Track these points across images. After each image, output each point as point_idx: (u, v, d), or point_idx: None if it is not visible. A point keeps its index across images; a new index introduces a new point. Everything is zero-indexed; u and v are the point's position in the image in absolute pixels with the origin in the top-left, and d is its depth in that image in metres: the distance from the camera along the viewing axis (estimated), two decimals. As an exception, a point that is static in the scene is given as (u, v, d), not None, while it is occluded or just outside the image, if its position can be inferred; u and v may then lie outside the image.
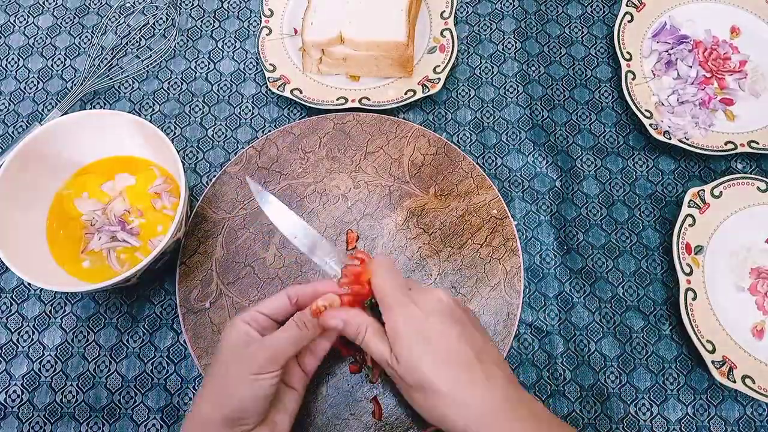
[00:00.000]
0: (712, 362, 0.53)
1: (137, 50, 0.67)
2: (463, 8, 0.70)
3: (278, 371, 0.43)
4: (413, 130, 0.61)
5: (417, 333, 0.42)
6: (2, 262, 0.52)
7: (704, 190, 0.59)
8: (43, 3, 0.69)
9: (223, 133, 0.64)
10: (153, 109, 0.65)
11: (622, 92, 0.63)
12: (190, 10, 0.69)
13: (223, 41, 0.68)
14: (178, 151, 0.63)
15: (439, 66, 0.64)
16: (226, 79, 0.66)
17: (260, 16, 0.68)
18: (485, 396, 0.41)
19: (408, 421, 0.51)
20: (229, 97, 0.66)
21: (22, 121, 0.64)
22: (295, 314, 0.46)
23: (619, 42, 0.65)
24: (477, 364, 0.42)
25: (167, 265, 0.55)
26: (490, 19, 0.69)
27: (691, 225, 0.58)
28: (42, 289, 0.57)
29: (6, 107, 0.65)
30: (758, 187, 0.60)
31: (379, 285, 0.45)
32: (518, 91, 0.66)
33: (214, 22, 0.69)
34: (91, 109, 0.64)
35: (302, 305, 0.47)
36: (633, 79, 0.64)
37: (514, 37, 0.68)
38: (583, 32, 0.69)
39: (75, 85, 0.63)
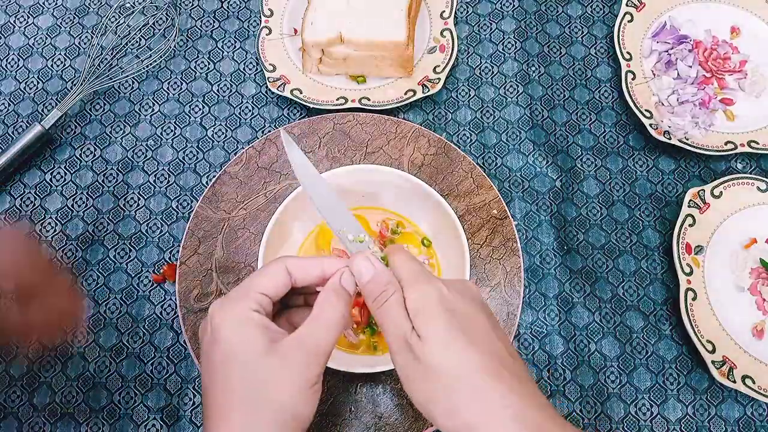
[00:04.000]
0: (712, 362, 0.53)
1: (137, 50, 0.67)
2: (463, 8, 0.70)
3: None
4: (413, 130, 0.61)
5: (446, 311, 0.35)
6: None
7: (704, 190, 0.59)
8: (43, 3, 0.69)
9: (223, 133, 0.64)
10: (153, 109, 0.65)
11: (622, 92, 0.63)
12: (190, 10, 0.69)
13: (223, 41, 0.68)
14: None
15: (439, 66, 0.64)
16: (225, 79, 0.66)
17: (260, 16, 0.68)
18: (516, 400, 0.33)
19: (408, 421, 0.51)
20: (229, 97, 0.66)
21: (22, 121, 0.64)
22: (330, 297, 0.37)
23: (619, 42, 0.65)
24: (509, 359, 0.35)
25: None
26: (490, 19, 0.69)
27: (691, 225, 0.58)
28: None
29: (6, 107, 0.65)
30: (758, 187, 0.60)
31: (399, 261, 0.38)
32: (518, 91, 0.66)
33: (214, 22, 0.69)
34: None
35: (301, 284, 0.39)
36: (633, 79, 0.64)
37: (514, 37, 0.68)
38: (583, 32, 0.69)
39: (75, 85, 0.63)
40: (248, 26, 0.69)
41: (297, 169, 0.43)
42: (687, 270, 0.56)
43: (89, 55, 0.64)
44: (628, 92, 0.63)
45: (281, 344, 0.35)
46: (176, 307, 0.55)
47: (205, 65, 0.67)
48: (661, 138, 0.60)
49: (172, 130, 0.64)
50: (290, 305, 0.41)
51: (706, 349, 0.53)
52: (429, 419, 0.35)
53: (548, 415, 0.34)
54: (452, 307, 0.36)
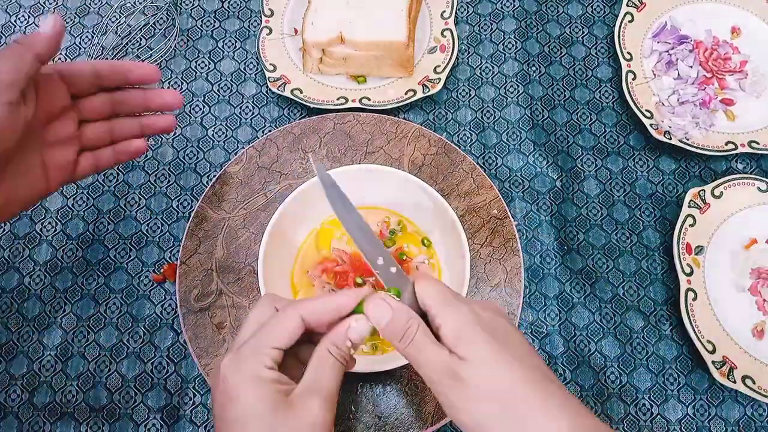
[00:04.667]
0: (713, 362, 0.53)
1: (137, 50, 0.67)
2: (463, 8, 0.70)
3: None
4: (413, 130, 0.61)
5: (485, 330, 0.35)
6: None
7: (705, 191, 0.59)
8: (44, 3, 0.69)
9: (223, 132, 0.64)
10: (153, 109, 0.65)
11: (623, 92, 0.63)
12: (191, 10, 0.69)
13: (223, 41, 0.68)
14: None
15: (439, 66, 0.64)
16: (226, 79, 0.66)
17: (260, 16, 0.68)
18: (568, 414, 0.33)
19: (408, 421, 0.51)
20: (229, 96, 0.66)
21: (23, 120, 0.64)
22: (332, 349, 0.37)
23: (619, 42, 0.65)
24: (551, 374, 0.35)
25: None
26: (490, 19, 0.69)
27: (691, 225, 0.58)
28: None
29: (6, 107, 0.65)
30: (759, 188, 0.60)
31: (426, 287, 0.38)
32: (519, 91, 0.66)
33: (214, 22, 0.69)
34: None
35: (316, 325, 0.38)
36: (633, 79, 0.64)
37: (514, 37, 0.68)
38: (583, 32, 0.69)
39: (75, 84, 0.63)
40: (249, 26, 0.69)
41: (330, 195, 0.42)
42: (687, 270, 0.56)
43: (90, 55, 0.64)
44: (629, 92, 0.63)
45: (293, 397, 0.35)
46: (176, 307, 0.55)
47: (206, 65, 0.67)
48: (662, 138, 0.60)
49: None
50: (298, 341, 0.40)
51: (707, 350, 0.53)
52: None
53: (597, 423, 0.34)
54: (489, 325, 0.35)
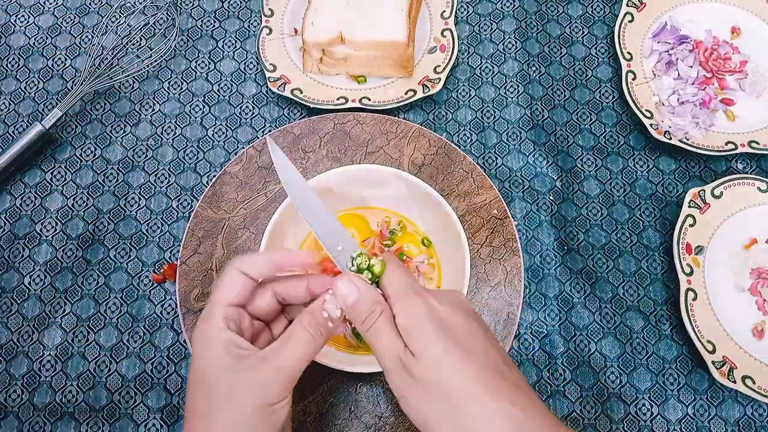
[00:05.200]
0: (713, 362, 0.53)
1: (137, 50, 0.67)
2: (463, 8, 0.70)
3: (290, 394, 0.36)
4: (413, 130, 0.61)
5: (438, 325, 0.34)
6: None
7: (705, 191, 0.59)
8: (44, 3, 0.69)
9: (223, 132, 0.64)
10: (153, 109, 0.65)
11: (623, 92, 0.63)
12: (191, 10, 0.69)
13: (223, 41, 0.68)
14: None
15: (439, 66, 0.64)
16: (226, 79, 0.66)
17: (260, 16, 0.68)
18: (518, 412, 0.33)
19: (408, 421, 0.51)
20: (229, 96, 0.66)
21: (23, 120, 0.64)
22: (304, 318, 0.36)
23: (619, 42, 0.65)
24: (507, 370, 0.35)
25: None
26: (490, 19, 0.69)
27: (691, 225, 0.58)
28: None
29: (6, 107, 0.65)
30: (759, 188, 0.60)
31: (388, 274, 0.37)
32: (518, 91, 0.66)
33: (214, 22, 0.69)
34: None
35: (257, 276, 0.38)
36: (633, 79, 0.64)
37: (514, 37, 0.68)
38: (583, 32, 0.69)
39: (75, 84, 0.63)
40: (249, 26, 0.69)
41: (284, 178, 0.41)
42: (687, 270, 0.56)
43: (90, 55, 0.64)
44: (629, 92, 0.63)
45: (245, 361, 0.35)
46: (176, 307, 0.55)
47: (206, 65, 0.67)
48: (662, 138, 0.60)
49: (172, 130, 0.64)
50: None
51: (707, 350, 0.53)
52: None
53: (550, 424, 0.34)
54: (444, 320, 0.35)
